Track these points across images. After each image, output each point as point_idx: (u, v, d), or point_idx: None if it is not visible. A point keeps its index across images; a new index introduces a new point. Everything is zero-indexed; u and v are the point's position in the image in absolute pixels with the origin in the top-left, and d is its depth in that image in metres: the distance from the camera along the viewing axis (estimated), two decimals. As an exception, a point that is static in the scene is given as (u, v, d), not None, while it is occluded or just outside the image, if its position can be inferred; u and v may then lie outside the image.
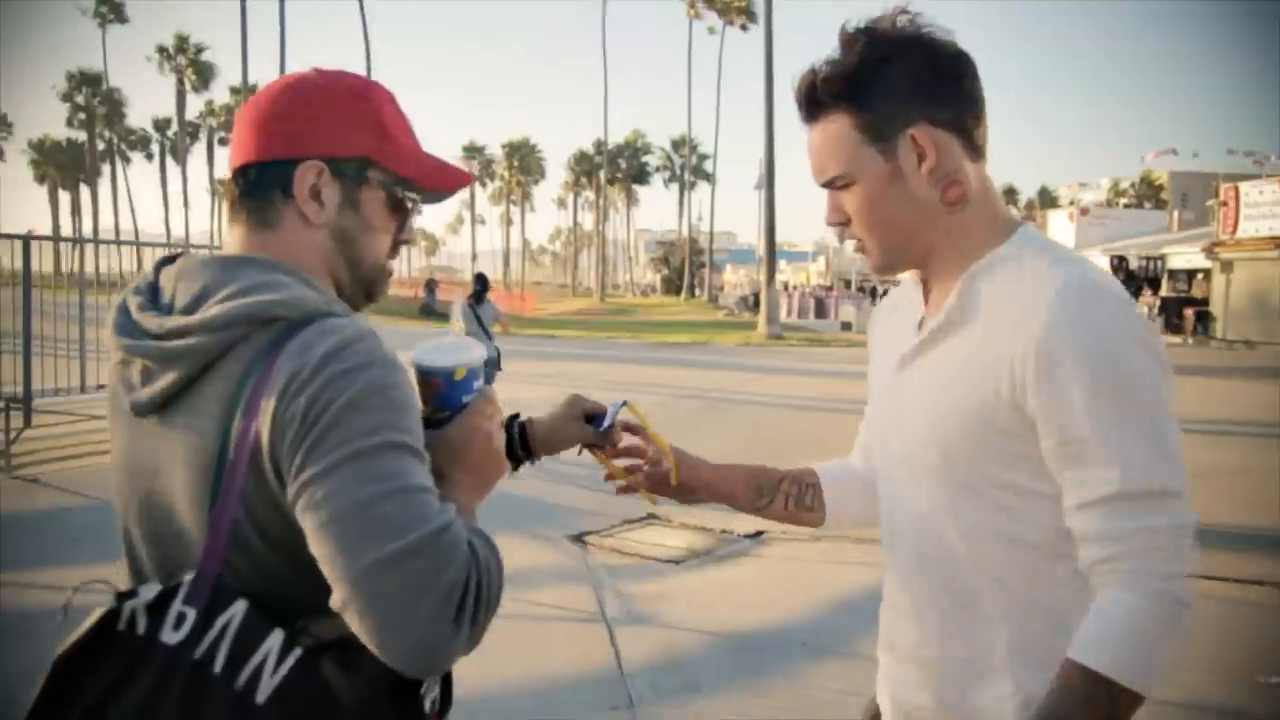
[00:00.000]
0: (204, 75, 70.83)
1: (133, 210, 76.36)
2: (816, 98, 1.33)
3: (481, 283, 11.14)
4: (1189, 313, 32.60)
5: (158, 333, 1.15)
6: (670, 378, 17.33)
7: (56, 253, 17.06)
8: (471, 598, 1.07)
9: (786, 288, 50.55)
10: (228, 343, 1.12)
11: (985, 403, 1.26)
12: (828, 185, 1.37)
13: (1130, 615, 1.17)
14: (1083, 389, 1.18)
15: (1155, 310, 33.42)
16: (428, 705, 1.21)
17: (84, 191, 79.87)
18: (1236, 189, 30.48)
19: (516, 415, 1.69)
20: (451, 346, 1.34)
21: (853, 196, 1.34)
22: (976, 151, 1.35)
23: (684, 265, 67.35)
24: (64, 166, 79.27)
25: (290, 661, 1.08)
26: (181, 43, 69.92)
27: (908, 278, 1.52)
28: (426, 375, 1.30)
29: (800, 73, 1.36)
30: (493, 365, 10.49)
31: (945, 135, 1.31)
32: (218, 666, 1.06)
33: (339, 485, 1.03)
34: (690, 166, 76.91)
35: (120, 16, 70.85)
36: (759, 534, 6.80)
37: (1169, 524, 1.18)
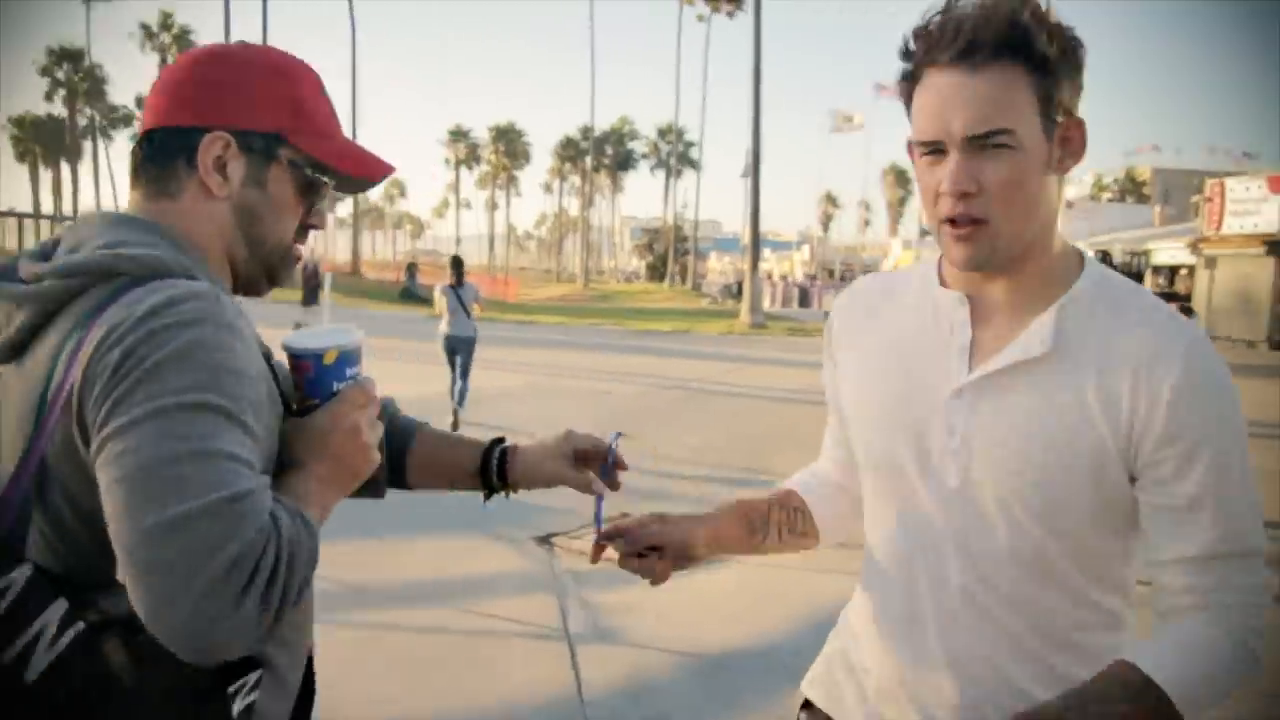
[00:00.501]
0: (187, 52, 69.65)
1: (114, 189, 75.26)
2: (1003, 40, 1.14)
3: (458, 266, 11.51)
4: (1172, 308, 32.39)
5: (24, 279, 1.12)
6: (650, 367, 17.03)
7: (21, 230, 16.59)
8: (264, 575, 0.95)
9: (771, 277, 50.33)
10: (70, 291, 1.08)
11: (1096, 449, 1.19)
12: (984, 139, 1.16)
13: (1210, 647, 1.17)
14: (1209, 453, 1.16)
15: (1139, 305, 33.30)
16: (238, 707, 1.04)
17: (66, 170, 78.79)
18: (1222, 184, 30.29)
19: (501, 440, 1.61)
20: (329, 331, 1.24)
21: (1005, 165, 1.17)
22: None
23: (668, 252, 67.05)
24: (45, 143, 78.14)
25: (69, 637, 0.98)
26: (165, 20, 68.89)
27: (880, 282, 1.45)
28: (295, 358, 1.21)
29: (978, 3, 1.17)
30: (469, 350, 11.06)
31: None
32: None
33: (138, 442, 0.95)
34: (676, 154, 76.47)
35: (103, -8, 69.81)
36: (735, 537, 6.53)
37: (1259, 582, 1.19)
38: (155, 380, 0.97)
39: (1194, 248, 30.98)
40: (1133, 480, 1.20)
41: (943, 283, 1.33)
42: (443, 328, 11.23)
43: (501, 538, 6.38)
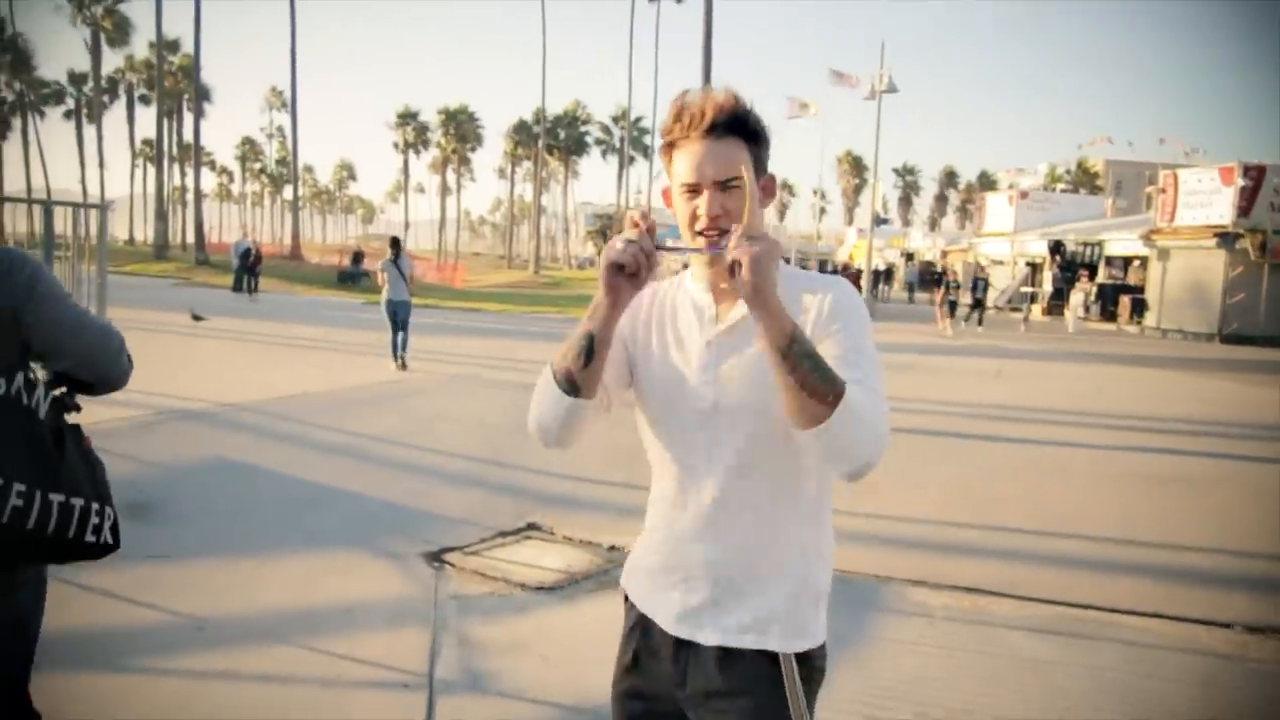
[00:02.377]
0: (122, 29, 67.26)
1: (45, 168, 72.69)
2: (732, 123, 1.80)
3: (396, 244, 14.08)
4: (1125, 300, 32.30)
5: None
6: (589, 358, 16.20)
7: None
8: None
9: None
10: None
11: None
12: (726, 182, 1.80)
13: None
14: (847, 330, 1.78)
15: (1092, 297, 33.08)
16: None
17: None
18: (1175, 176, 30.07)
19: None
20: None
21: (737, 199, 1.80)
22: None
23: (621, 239, 66.03)
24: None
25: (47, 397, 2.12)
26: (96, -9, 65.96)
27: (661, 292, 1.99)
28: None
29: None
30: (406, 310, 13.61)
31: None
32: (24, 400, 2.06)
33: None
34: (630, 139, 75.46)
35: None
36: (653, 552, 5.77)
37: (880, 395, 1.71)
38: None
39: (1147, 239, 30.74)
40: None
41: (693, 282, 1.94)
42: (386, 294, 13.65)
43: (386, 553, 5.58)
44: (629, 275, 1.69)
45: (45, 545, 2.08)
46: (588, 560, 5.64)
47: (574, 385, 1.74)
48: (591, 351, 1.72)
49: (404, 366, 13.39)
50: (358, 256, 42.28)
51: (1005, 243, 41.51)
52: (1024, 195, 44.08)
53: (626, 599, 2.00)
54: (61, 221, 8.85)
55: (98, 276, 8.89)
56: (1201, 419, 12.25)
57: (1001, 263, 41.04)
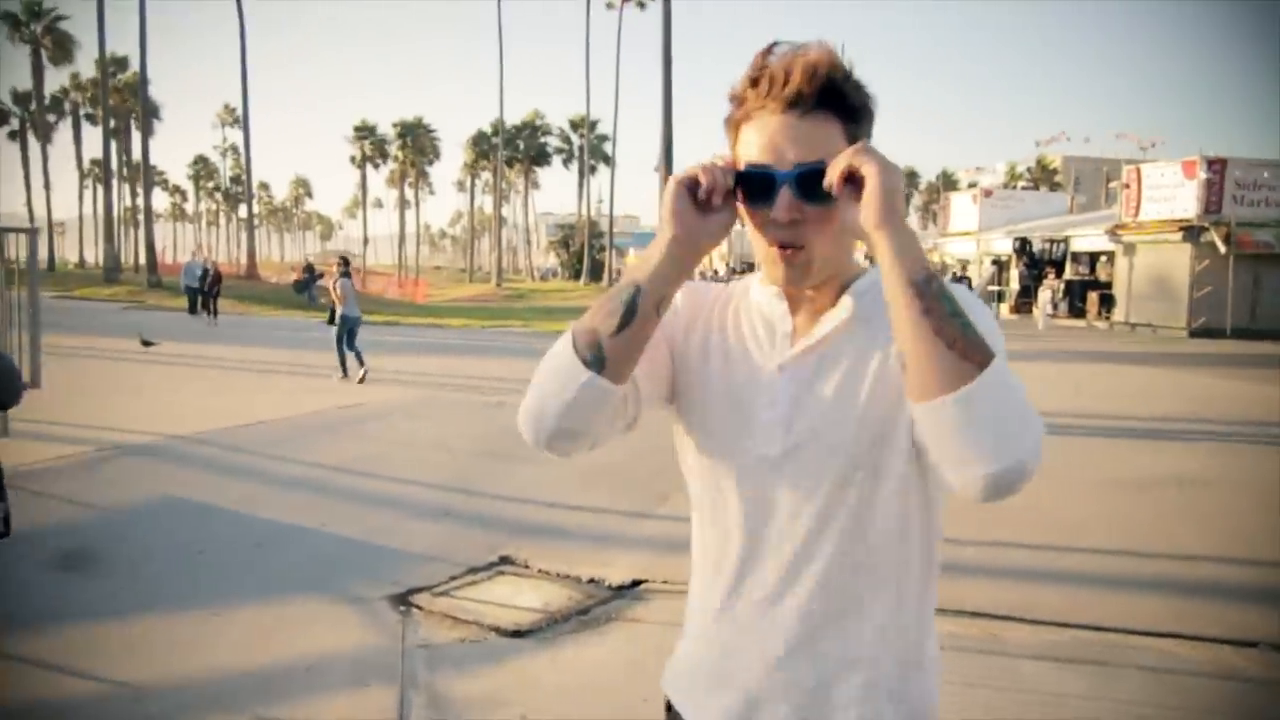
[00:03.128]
0: (64, 47, 65.72)
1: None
2: (816, 94, 1.34)
3: (344, 261, 15.30)
4: (1093, 296, 32.32)
5: None
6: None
7: None
8: None
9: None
10: None
11: (895, 394, 1.33)
12: (811, 174, 1.34)
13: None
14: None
15: (1060, 293, 33.09)
16: None
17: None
18: (1138, 171, 30.13)
19: None
20: None
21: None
22: None
23: (583, 249, 65.75)
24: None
25: None
26: (32, 9, 64.28)
27: (716, 291, 1.58)
28: None
29: None
30: (355, 324, 14.28)
31: None
32: None
33: None
34: (590, 148, 75.03)
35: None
36: (636, 584, 5.39)
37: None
38: None
39: (1113, 234, 30.77)
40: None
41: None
42: (351, 310, 14.32)
43: (348, 598, 5.14)
44: (706, 208, 1.32)
45: None
46: (566, 597, 5.23)
47: (599, 354, 1.28)
48: (635, 309, 1.28)
49: (364, 378, 13.78)
50: (310, 270, 41.95)
51: (971, 242, 41.53)
52: (988, 193, 44.12)
53: (669, 708, 1.56)
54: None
55: (29, 302, 8.38)
56: (1184, 416, 12.04)
57: (968, 262, 41.05)
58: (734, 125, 1.37)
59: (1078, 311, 32.87)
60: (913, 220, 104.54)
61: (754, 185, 1.32)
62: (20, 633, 4.56)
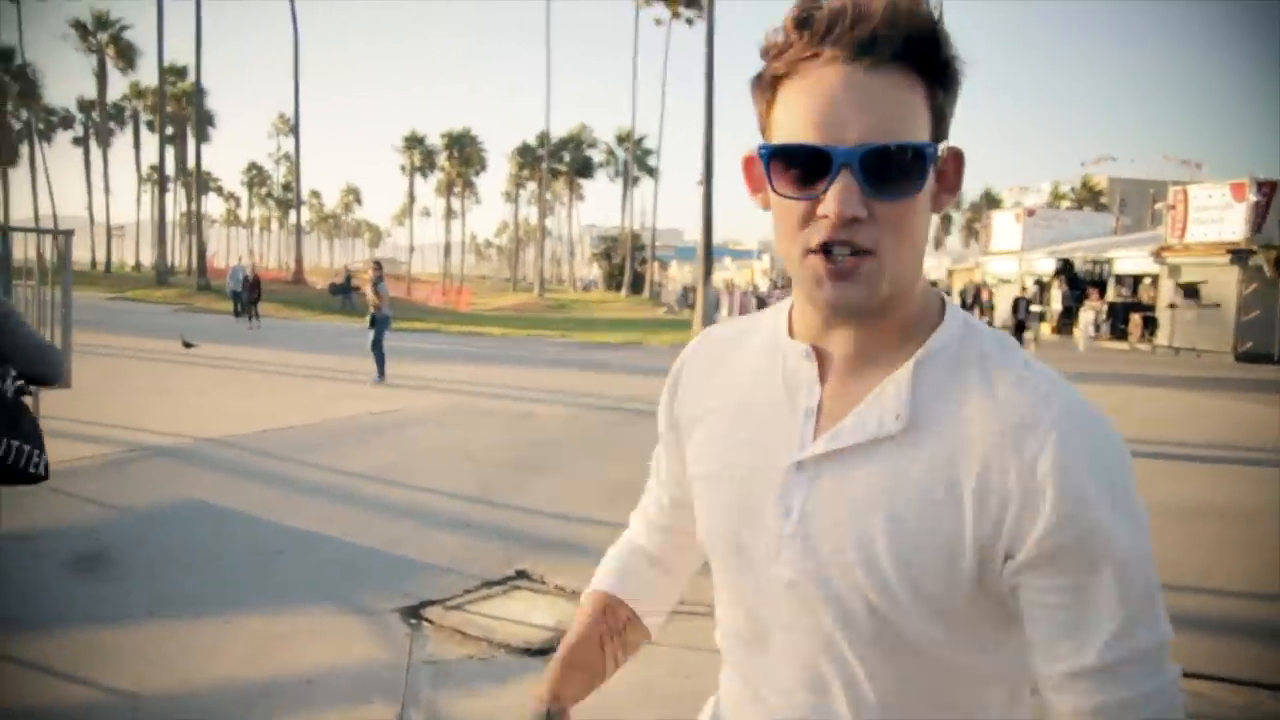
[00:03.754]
0: (127, 55, 67.44)
1: (51, 194, 72.70)
2: (910, 39, 0.93)
3: (379, 265, 15.43)
4: (1136, 318, 31.74)
5: None
6: (590, 383, 15.74)
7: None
8: None
9: (729, 286, 49.16)
10: None
11: (954, 537, 0.97)
12: (884, 155, 0.94)
13: None
14: (1101, 541, 0.93)
15: (1103, 315, 32.54)
16: None
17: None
18: (1185, 192, 29.57)
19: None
20: None
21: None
22: None
23: (625, 261, 65.83)
24: (-22, 147, 75.14)
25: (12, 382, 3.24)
26: (100, 19, 66.28)
27: (735, 329, 1.23)
28: None
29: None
30: (385, 324, 14.64)
31: None
32: None
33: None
34: (634, 161, 75.21)
35: (38, -10, 67.29)
36: (651, 605, 5.27)
37: (1171, 680, 0.96)
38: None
39: (1157, 256, 30.22)
40: (1003, 577, 0.97)
41: (790, 332, 1.11)
42: (388, 310, 14.89)
43: (358, 609, 5.09)
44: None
45: (3, 472, 3.36)
46: (580, 614, 5.14)
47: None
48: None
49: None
50: (349, 277, 42.96)
51: (1013, 261, 41.03)
52: (1031, 213, 43.58)
53: None
54: (36, 247, 8.49)
55: (62, 302, 8.49)
56: (1228, 443, 11.72)
57: (1009, 281, 40.56)
58: (768, 85, 1.00)
59: (1120, 334, 32.28)
60: (954, 239, 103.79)
61: (798, 165, 0.97)
62: (28, 635, 4.55)
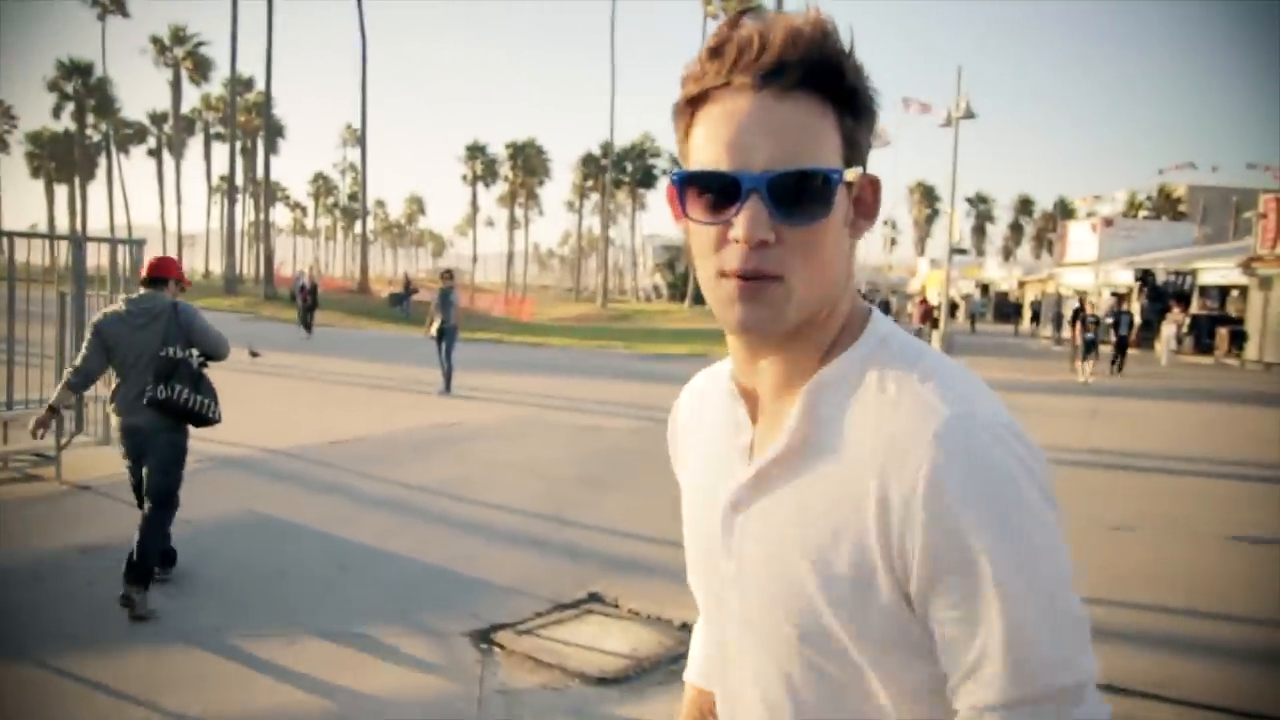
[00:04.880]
0: (202, 68, 69.19)
1: (126, 205, 74.63)
2: (813, 66, 0.95)
3: (449, 274, 15.51)
4: (1222, 332, 30.64)
5: None
6: (655, 396, 15.43)
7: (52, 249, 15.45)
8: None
9: (793, 296, 48.73)
10: None
11: (858, 563, 0.95)
12: (789, 180, 0.95)
13: None
14: (990, 564, 0.89)
15: (1185, 329, 31.48)
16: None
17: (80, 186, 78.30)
18: (1278, 200, 28.49)
19: None
20: None
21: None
22: None
23: (689, 271, 65.63)
24: (59, 160, 77.56)
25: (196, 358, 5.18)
26: (177, 34, 68.16)
27: (705, 379, 1.24)
28: None
29: (778, 23, 0.97)
30: (454, 335, 14.53)
31: None
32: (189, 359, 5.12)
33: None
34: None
35: (121, 8, 69.32)
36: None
37: None
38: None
39: (1246, 267, 29.13)
40: (912, 604, 0.94)
41: (732, 375, 1.12)
42: (450, 320, 14.58)
43: (427, 631, 4.90)
44: None
45: (193, 416, 5.13)
46: (656, 642, 4.89)
47: None
48: None
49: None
50: (408, 285, 44.09)
51: (1089, 272, 39.99)
52: (1109, 222, 42.49)
53: None
54: (110, 256, 8.55)
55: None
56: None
57: (1085, 293, 39.56)
58: (685, 112, 1.01)
59: (1205, 348, 31.18)
60: (1025, 250, 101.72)
61: (709, 191, 0.97)
62: (92, 654, 4.43)
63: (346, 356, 20.49)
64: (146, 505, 5.08)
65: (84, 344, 5.22)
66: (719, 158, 0.96)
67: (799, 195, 0.94)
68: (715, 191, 0.96)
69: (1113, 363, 23.05)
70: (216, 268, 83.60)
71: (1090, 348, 20.98)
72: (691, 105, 1.00)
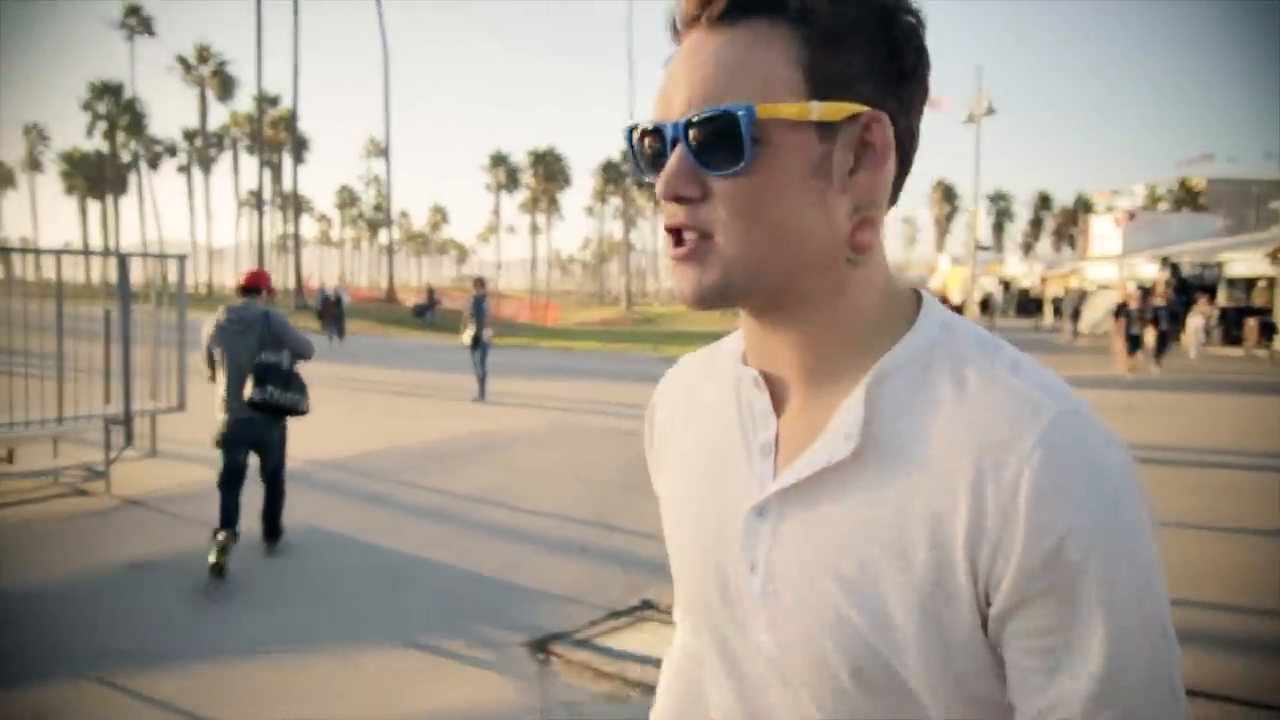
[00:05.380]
0: (227, 85, 70.04)
1: (158, 221, 75.55)
2: None
3: (481, 284, 15.36)
4: (1251, 323, 30.29)
5: None
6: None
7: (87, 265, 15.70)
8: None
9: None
10: None
11: (930, 582, 0.80)
12: (701, 125, 0.81)
13: None
14: (1097, 579, 0.76)
15: (1214, 321, 31.15)
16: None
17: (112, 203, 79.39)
18: (1306, 189, 28.15)
19: None
20: None
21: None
22: (897, 193, 0.90)
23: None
24: (92, 178, 78.63)
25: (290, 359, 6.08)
26: (203, 53, 69.10)
27: (698, 362, 1.08)
28: None
29: None
30: (486, 346, 14.63)
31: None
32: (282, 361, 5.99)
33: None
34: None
35: (148, 28, 70.27)
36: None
37: None
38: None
39: (1275, 258, 28.79)
40: (988, 627, 0.80)
41: (745, 359, 0.96)
42: (488, 330, 14.84)
43: (482, 642, 4.89)
44: None
45: (285, 410, 6.02)
46: (712, 649, 4.86)
47: None
48: None
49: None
50: (430, 294, 45.10)
51: (1112, 266, 39.67)
52: (1131, 216, 42.19)
53: None
54: (151, 271, 8.66)
55: (177, 325, 8.62)
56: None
57: (1109, 287, 39.24)
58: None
59: (1234, 339, 30.84)
60: (1046, 245, 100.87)
61: (645, 148, 0.87)
62: (146, 669, 4.45)
63: (378, 364, 20.61)
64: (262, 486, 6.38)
65: (204, 357, 6.16)
66: (654, 110, 0.87)
67: (714, 141, 0.81)
68: (649, 148, 0.87)
69: (1156, 356, 22.48)
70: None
71: (1136, 342, 20.62)
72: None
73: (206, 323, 6.20)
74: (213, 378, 6.11)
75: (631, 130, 0.89)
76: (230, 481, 5.99)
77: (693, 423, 1.03)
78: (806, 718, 0.89)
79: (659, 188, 0.84)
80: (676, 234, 0.86)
